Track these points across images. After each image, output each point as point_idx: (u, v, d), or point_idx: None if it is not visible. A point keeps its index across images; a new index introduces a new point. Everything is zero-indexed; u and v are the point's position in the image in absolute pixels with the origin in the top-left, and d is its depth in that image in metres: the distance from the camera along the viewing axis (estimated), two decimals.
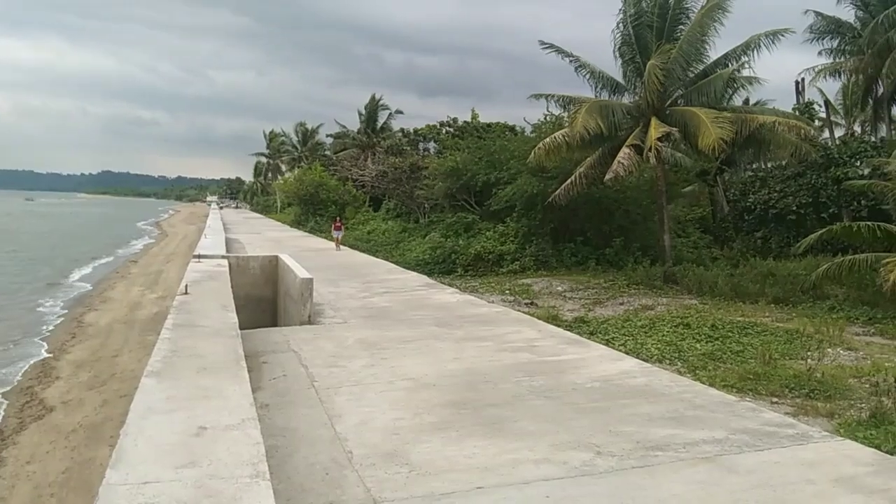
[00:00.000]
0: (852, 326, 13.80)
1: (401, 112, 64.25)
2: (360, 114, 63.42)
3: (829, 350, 11.21)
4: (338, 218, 33.12)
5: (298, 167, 71.37)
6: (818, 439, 5.80)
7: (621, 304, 16.83)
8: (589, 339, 11.06)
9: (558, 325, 12.16)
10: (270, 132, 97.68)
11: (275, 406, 6.57)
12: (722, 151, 19.42)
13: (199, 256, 15.46)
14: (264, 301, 15.27)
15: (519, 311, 14.13)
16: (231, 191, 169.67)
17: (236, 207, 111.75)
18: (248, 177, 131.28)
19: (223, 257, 15.58)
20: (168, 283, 29.47)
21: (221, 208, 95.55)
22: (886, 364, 10.03)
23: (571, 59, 21.43)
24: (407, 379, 7.57)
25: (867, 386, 8.77)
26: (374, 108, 62.58)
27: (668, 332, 12.45)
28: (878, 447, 5.85)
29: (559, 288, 19.79)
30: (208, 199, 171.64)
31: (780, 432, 5.92)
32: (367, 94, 63.50)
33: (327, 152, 72.70)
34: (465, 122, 48.47)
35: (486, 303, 14.80)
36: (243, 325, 9.02)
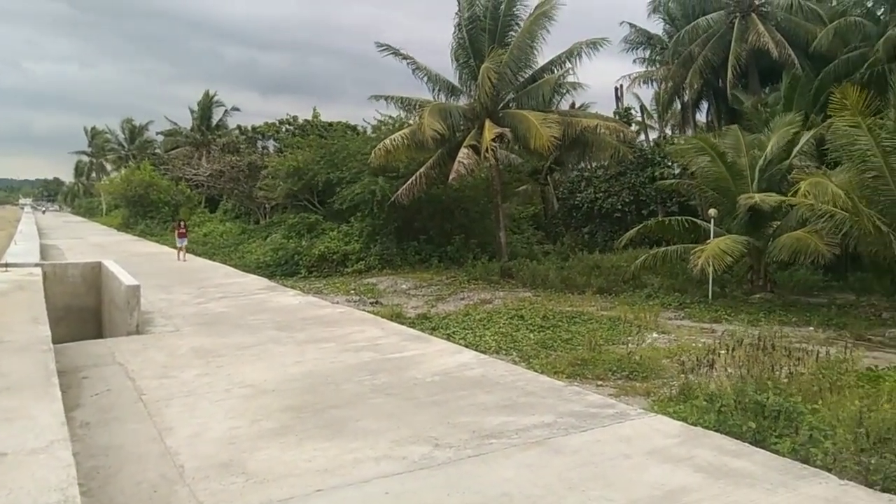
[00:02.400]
0: (666, 311, 15.20)
1: (237, 109, 62.01)
2: (191, 111, 60.36)
3: (646, 334, 12.27)
4: (181, 222, 27.84)
5: (126, 167, 66.44)
6: (634, 417, 6.33)
7: (462, 299, 17.35)
8: (431, 334, 11.31)
9: (402, 323, 12.32)
10: (92, 129, 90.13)
11: (97, 424, 6.09)
12: (553, 151, 20.63)
13: (7, 265, 13.94)
14: (87, 311, 14.07)
15: (363, 310, 14.14)
16: (48, 192, 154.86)
17: (57, 210, 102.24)
18: (68, 177, 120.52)
19: (36, 265, 14.17)
20: None
21: (44, 212, 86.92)
22: (693, 345, 11.14)
23: (408, 61, 21.79)
24: (245, 386, 7.32)
25: (677, 365, 9.68)
26: (207, 104, 59.85)
27: (504, 323, 13.02)
28: (684, 420, 6.48)
29: (404, 286, 20.03)
30: (21, 201, 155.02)
31: (602, 413, 6.38)
32: (208, 90, 60.32)
33: (158, 151, 68.56)
34: (305, 120, 47.58)
35: (330, 304, 14.65)
36: (63, 339, 8.29)
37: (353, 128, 42.28)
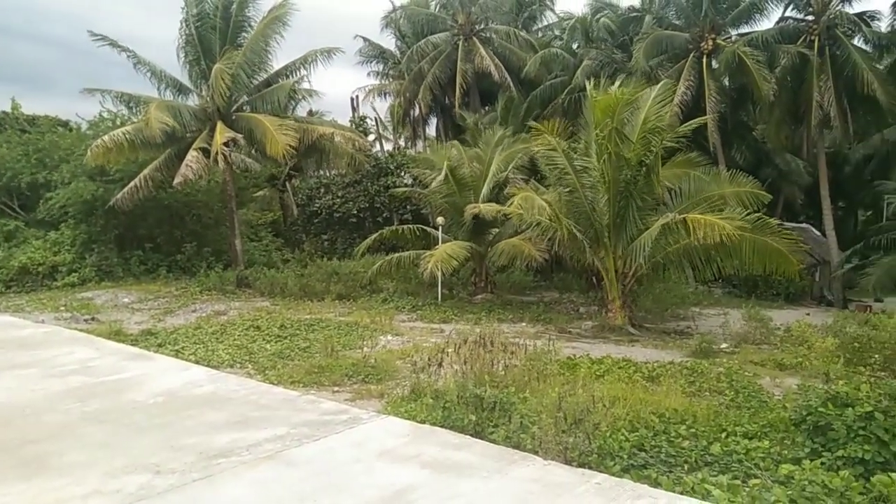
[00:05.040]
0: (400, 314, 15.91)
1: None
2: None
3: (381, 337, 12.70)
4: None
5: None
6: (367, 420, 6.49)
7: (194, 311, 16.40)
8: (157, 351, 10.51)
9: (122, 341, 11.25)
10: None
11: None
12: (290, 158, 20.44)
13: None
14: None
15: (75, 329, 12.63)
16: None
17: None
18: None
19: None
20: None
21: None
22: (424, 345, 11.79)
23: (129, 53, 20.07)
24: None
25: (409, 366, 10.16)
26: None
27: (239, 335, 12.58)
28: (413, 418, 6.82)
29: (126, 299, 18.32)
30: None
31: (335, 419, 6.45)
32: None
33: None
34: (3, 112, 41.02)
35: (34, 323, 12.85)
36: None
37: (65, 123, 37.56)
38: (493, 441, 6.18)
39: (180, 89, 21.12)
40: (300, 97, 22.99)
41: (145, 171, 20.09)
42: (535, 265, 17.95)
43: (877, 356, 10.15)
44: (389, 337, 12.87)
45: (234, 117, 20.29)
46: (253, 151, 22.36)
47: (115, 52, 20.28)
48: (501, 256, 16.95)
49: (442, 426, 6.48)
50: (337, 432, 6.06)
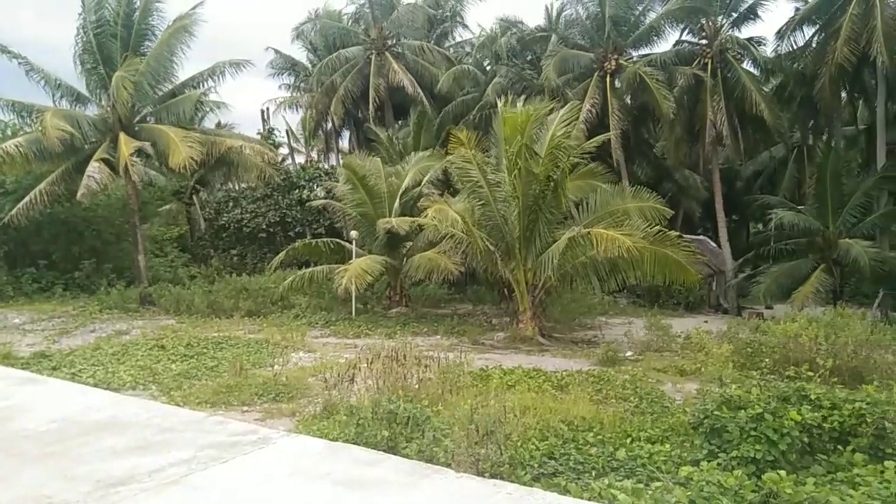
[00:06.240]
0: (313, 330, 15.66)
1: None
2: None
3: (293, 355, 12.46)
4: None
5: None
6: (277, 439, 6.33)
7: (93, 331, 15.60)
8: (51, 375, 9.93)
9: (11, 365, 10.55)
10: None
11: None
12: (194, 171, 19.83)
13: None
14: None
15: None
16: None
17: None
18: None
19: None
20: None
21: None
22: (337, 361, 11.64)
23: (20, 60, 18.97)
24: None
25: (322, 382, 10.01)
26: None
27: (142, 355, 12.05)
28: (326, 436, 6.72)
29: (17, 320, 17.23)
30: None
31: (244, 440, 6.25)
32: None
33: None
34: None
35: None
36: None
37: None
38: (407, 456, 6.16)
39: (78, 98, 20.13)
40: (207, 109, 22.39)
41: (41, 185, 19.04)
42: (450, 278, 18.13)
43: (766, 360, 10.79)
44: (302, 354, 12.64)
45: (136, 128, 19.52)
46: (157, 163, 21.57)
47: (5, 60, 19.17)
48: (419, 270, 17.00)
49: (355, 443, 6.42)
50: (246, 453, 5.88)
